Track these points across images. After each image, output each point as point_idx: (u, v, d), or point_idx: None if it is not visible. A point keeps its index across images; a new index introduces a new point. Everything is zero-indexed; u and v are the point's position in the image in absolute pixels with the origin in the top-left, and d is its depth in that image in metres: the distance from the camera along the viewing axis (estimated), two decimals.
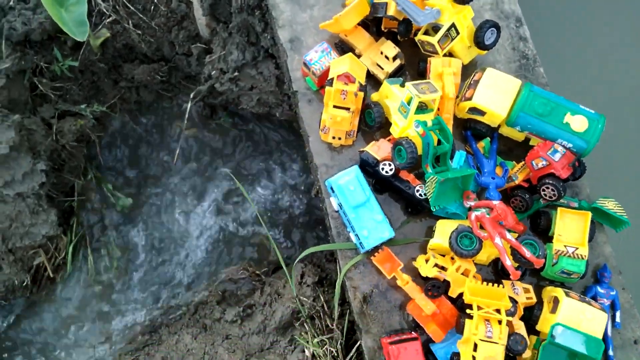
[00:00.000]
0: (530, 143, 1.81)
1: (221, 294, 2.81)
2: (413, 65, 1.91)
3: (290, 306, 2.38)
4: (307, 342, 2.08)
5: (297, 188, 2.85)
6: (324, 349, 2.02)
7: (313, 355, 2.12)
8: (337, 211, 1.83)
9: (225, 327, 2.59)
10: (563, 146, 1.67)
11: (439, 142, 1.67)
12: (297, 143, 2.90)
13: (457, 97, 1.82)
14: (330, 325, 2.13)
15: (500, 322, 1.55)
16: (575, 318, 1.59)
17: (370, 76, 1.89)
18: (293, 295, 2.44)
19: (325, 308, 2.29)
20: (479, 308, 1.56)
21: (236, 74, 2.36)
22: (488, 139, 1.82)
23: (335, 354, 2.03)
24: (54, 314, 2.69)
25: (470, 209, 1.67)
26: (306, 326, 2.17)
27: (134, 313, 2.76)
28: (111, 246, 2.78)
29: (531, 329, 1.69)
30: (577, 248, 1.67)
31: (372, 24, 1.88)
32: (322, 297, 2.37)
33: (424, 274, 1.65)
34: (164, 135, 2.88)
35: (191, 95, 2.50)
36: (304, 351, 2.21)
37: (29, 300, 2.68)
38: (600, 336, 1.58)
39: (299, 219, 2.83)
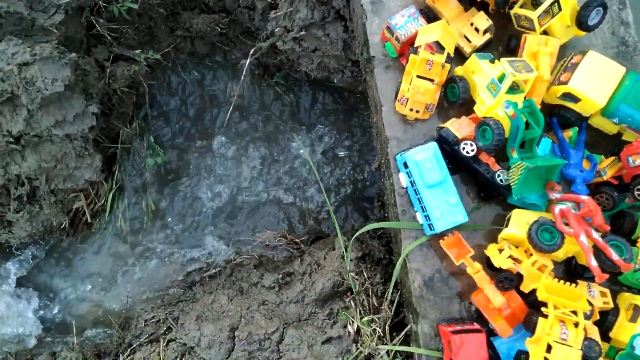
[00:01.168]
0: (623, 138, 1.67)
1: (258, 258, 2.75)
2: (500, 42, 1.77)
3: (332, 279, 2.32)
4: (354, 317, 2.01)
5: (351, 161, 2.75)
6: (371, 328, 1.95)
7: (357, 332, 2.06)
8: (405, 188, 1.73)
9: (263, 293, 2.54)
10: None
11: (528, 126, 1.55)
12: (354, 113, 2.79)
13: (552, 80, 1.68)
14: (377, 305, 2.07)
15: (576, 324, 1.45)
16: None
17: (456, 49, 1.76)
18: (334, 268, 2.38)
19: (370, 285, 2.22)
20: (555, 307, 1.47)
21: (302, 33, 2.23)
22: (576, 128, 1.69)
23: (381, 334, 1.96)
24: (89, 260, 2.66)
25: (552, 201, 1.56)
26: (354, 302, 2.10)
27: (169, 265, 2.72)
28: (149, 198, 2.73)
29: (604, 335, 1.59)
30: None
31: None
32: (365, 274, 2.29)
33: (496, 265, 1.56)
34: (215, 91, 2.79)
35: (251, 52, 2.38)
36: (345, 327, 2.15)
37: (63, 242, 2.66)
38: None
39: (350, 192, 2.74)
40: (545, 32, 1.71)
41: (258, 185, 2.78)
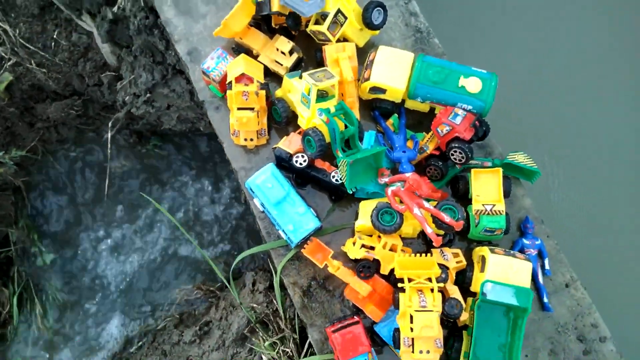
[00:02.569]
0: (436, 112, 1.85)
1: (178, 317, 2.78)
2: (312, 57, 1.93)
3: (245, 316, 2.37)
4: (258, 347, 2.07)
5: (234, 198, 2.85)
6: (277, 350, 2.01)
7: (274, 358, 2.11)
8: (262, 211, 1.83)
9: (185, 349, 2.56)
10: (463, 109, 1.72)
11: (347, 126, 1.69)
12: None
13: (359, 79, 1.85)
14: (282, 327, 2.13)
15: (432, 290, 1.57)
16: (503, 272, 1.63)
17: (273, 74, 1.91)
18: (246, 304, 2.44)
19: (279, 311, 2.29)
20: (410, 280, 1.58)
21: (149, 95, 2.34)
22: (396, 115, 1.86)
23: (291, 354, 2.03)
24: None
25: (386, 185, 1.70)
26: (259, 332, 2.16)
27: (92, 354, 2.70)
28: (54, 292, 2.71)
29: (468, 292, 1.72)
30: (494, 205, 1.71)
31: (263, 23, 1.89)
32: (275, 301, 2.36)
33: (352, 257, 1.67)
34: (92, 170, 2.84)
35: (109, 124, 2.46)
36: (262, 357, 2.20)
37: None
38: (528, 285, 1.61)
39: (239, 227, 2.83)
40: (345, 39, 1.88)
41: (156, 246, 2.82)
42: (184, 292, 2.85)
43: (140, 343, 2.75)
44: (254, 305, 2.38)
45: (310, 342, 1.93)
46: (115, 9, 2.26)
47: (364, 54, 1.89)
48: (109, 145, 2.53)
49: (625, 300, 2.32)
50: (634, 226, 2.42)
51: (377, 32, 1.89)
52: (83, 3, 2.31)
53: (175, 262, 2.83)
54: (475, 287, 1.69)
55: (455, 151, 1.69)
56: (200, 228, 2.90)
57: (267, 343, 1.99)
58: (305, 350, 1.95)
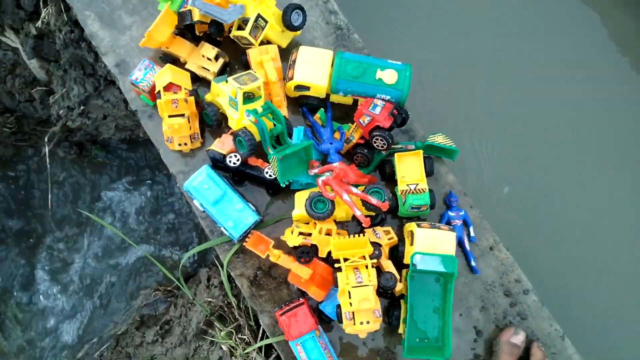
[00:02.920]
0: (359, 104, 1.98)
1: (139, 319, 2.85)
2: (237, 61, 2.02)
3: (202, 311, 2.47)
4: (215, 337, 2.18)
5: (181, 199, 2.92)
6: (234, 338, 2.13)
7: (232, 347, 2.23)
8: (203, 211, 1.93)
9: (149, 349, 2.64)
10: (382, 99, 1.86)
11: (275, 124, 1.80)
12: None
13: (284, 78, 1.95)
14: (236, 316, 2.25)
15: (367, 266, 1.72)
16: (430, 244, 1.78)
17: (203, 79, 1.99)
18: (203, 299, 2.53)
19: (232, 302, 2.40)
20: (346, 260, 1.72)
21: (83, 107, 2.36)
22: (322, 110, 1.98)
23: (247, 340, 2.14)
24: None
25: (317, 176, 1.82)
26: (216, 324, 2.27)
27: None
28: (12, 312, 2.73)
29: (402, 265, 1.88)
30: (417, 184, 1.87)
31: (188, 32, 1.96)
32: (231, 293, 2.47)
33: (291, 245, 1.80)
34: (35, 187, 2.84)
35: (46, 139, 2.48)
36: (222, 347, 2.31)
37: None
38: (453, 253, 1.78)
39: (189, 227, 2.91)
40: (269, 42, 1.98)
41: (112, 253, 2.87)
42: (143, 296, 2.92)
43: (103, 348, 2.80)
44: (210, 299, 2.48)
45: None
46: (38, 24, 2.27)
47: (288, 53, 2.00)
48: (46, 160, 2.54)
49: (542, 255, 2.57)
50: (546, 191, 2.67)
51: (299, 32, 2.00)
52: (4, 19, 2.31)
53: (132, 267, 2.89)
54: (407, 259, 1.85)
55: (377, 139, 1.83)
56: (152, 231, 2.96)
57: (223, 333, 2.10)
58: (260, 335, 2.07)
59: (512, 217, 2.55)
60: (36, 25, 2.26)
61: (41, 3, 2.22)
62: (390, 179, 1.97)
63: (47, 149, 2.47)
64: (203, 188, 1.81)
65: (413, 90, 1.92)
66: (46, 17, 2.23)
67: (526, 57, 2.82)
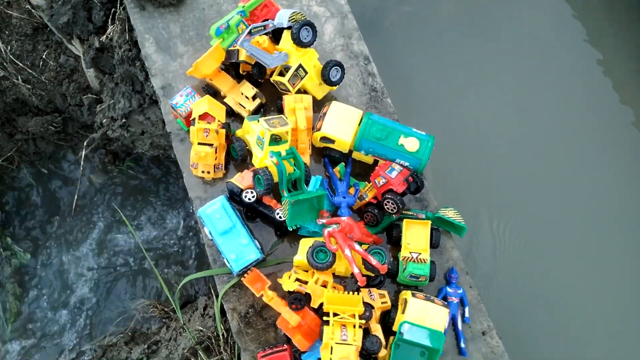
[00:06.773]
0: (378, 165, 2.04)
1: (131, 334, 2.87)
2: (273, 104, 2.13)
3: (191, 338, 2.48)
4: None
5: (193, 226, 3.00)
6: None
7: None
8: (211, 239, 1.98)
9: None
10: (400, 165, 1.91)
11: (295, 169, 1.87)
12: None
13: (313, 128, 2.04)
14: (221, 350, 2.25)
15: (355, 326, 1.72)
16: (420, 315, 1.78)
17: (237, 114, 2.09)
18: (195, 327, 2.55)
19: (221, 335, 2.41)
20: (335, 315, 1.73)
21: (124, 120, 2.51)
22: (342, 163, 2.04)
23: None
24: None
25: (324, 226, 1.86)
26: (200, 353, 2.27)
27: None
28: (11, 301, 2.80)
29: (391, 331, 1.87)
30: (420, 253, 1.89)
31: (232, 69, 2.09)
32: (221, 326, 2.48)
33: (286, 289, 1.82)
34: (66, 185, 2.98)
35: (85, 143, 2.62)
36: None
37: None
38: (442, 329, 1.77)
39: (200, 252, 2.96)
40: (305, 91, 2.09)
41: (118, 260, 2.94)
42: (141, 307, 2.95)
43: (91, 356, 2.83)
44: (202, 328, 2.49)
45: None
46: (103, 38, 2.45)
47: (321, 105, 2.09)
48: (81, 162, 2.68)
49: (535, 349, 2.50)
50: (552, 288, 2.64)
51: (335, 87, 2.10)
52: (74, 29, 2.50)
53: (135, 279, 2.94)
54: (396, 327, 1.85)
55: (388, 201, 1.87)
56: (162, 250, 3.02)
57: None
58: None
59: (511, 303, 2.51)
60: (100, 39, 2.44)
61: (109, 20, 2.42)
62: (396, 243, 1.99)
63: (84, 152, 2.61)
64: (215, 217, 1.87)
65: (435, 161, 1.97)
66: (111, 33, 2.41)
67: (553, 136, 2.85)
